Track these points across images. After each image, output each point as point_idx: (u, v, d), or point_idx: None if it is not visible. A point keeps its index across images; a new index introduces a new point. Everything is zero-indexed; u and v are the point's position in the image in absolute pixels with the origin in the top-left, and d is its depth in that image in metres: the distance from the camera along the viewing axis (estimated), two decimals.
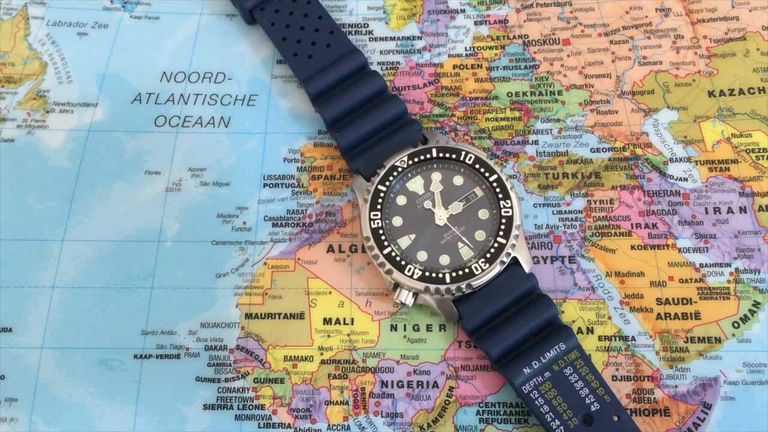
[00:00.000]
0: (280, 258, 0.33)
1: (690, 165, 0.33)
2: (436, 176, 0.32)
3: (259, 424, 0.30)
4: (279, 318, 0.32)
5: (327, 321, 0.32)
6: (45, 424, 0.30)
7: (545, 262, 0.32)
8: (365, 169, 0.32)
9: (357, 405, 0.30)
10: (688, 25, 0.36)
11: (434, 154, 0.32)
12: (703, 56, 0.36)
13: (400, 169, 0.31)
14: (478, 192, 0.31)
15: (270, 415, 0.30)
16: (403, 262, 0.30)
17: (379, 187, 0.31)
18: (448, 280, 0.29)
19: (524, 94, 0.36)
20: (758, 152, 0.33)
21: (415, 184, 0.32)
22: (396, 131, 0.33)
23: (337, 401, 0.30)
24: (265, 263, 0.33)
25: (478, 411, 0.30)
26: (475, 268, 0.29)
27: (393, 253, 0.30)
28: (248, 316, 0.32)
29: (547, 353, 0.28)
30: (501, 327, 0.29)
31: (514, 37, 0.37)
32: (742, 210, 0.32)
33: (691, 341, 0.30)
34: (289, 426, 0.30)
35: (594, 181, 0.33)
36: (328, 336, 0.31)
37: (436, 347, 0.31)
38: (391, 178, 0.31)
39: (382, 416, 0.30)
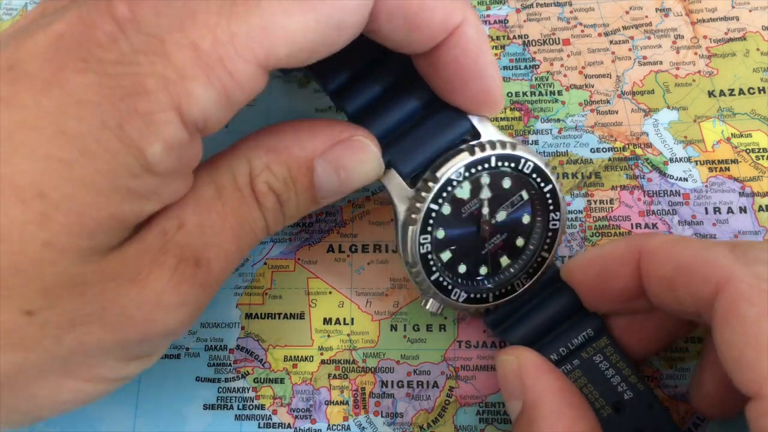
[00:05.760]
0: (280, 258, 0.33)
1: (690, 165, 0.33)
2: (485, 180, 0.27)
3: (259, 424, 0.30)
4: (279, 318, 0.32)
5: (327, 321, 0.32)
6: (45, 424, 0.30)
7: None
8: (403, 165, 0.26)
9: (357, 405, 0.30)
10: (688, 25, 0.36)
11: (493, 164, 0.26)
12: (703, 56, 0.36)
13: (455, 183, 0.26)
14: (525, 195, 0.28)
15: (270, 415, 0.30)
16: (449, 287, 0.27)
17: (432, 206, 0.26)
18: (491, 299, 0.28)
19: (524, 94, 0.36)
20: (758, 152, 0.33)
21: (463, 191, 0.27)
22: (433, 117, 0.26)
23: (337, 401, 0.30)
24: (265, 263, 0.33)
25: (478, 411, 0.30)
26: (517, 284, 0.28)
27: (440, 278, 0.27)
28: (248, 316, 0.32)
29: (575, 340, 0.28)
30: (525, 318, 0.28)
31: (514, 37, 0.37)
32: (742, 210, 0.32)
33: (691, 341, 0.30)
34: (289, 426, 0.30)
35: (594, 181, 0.33)
36: (328, 336, 0.31)
37: (436, 347, 0.31)
38: (444, 194, 0.26)
39: (382, 416, 0.30)
